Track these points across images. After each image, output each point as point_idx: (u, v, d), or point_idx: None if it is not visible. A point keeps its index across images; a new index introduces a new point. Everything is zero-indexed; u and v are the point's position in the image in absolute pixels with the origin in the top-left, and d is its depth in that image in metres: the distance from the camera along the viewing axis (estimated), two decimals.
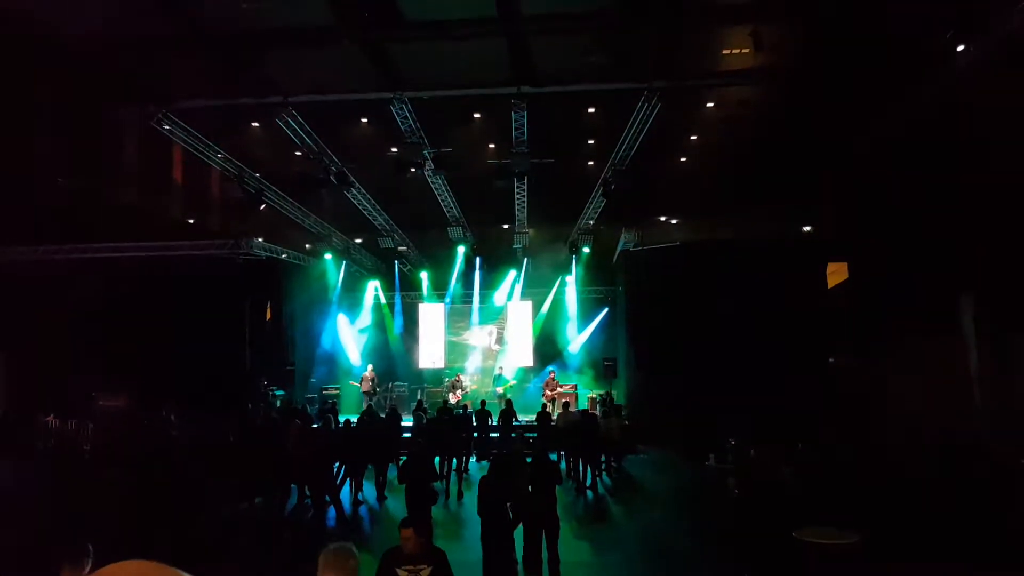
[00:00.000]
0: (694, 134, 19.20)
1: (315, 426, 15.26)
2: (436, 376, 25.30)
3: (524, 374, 25.51)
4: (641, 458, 17.95)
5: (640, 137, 17.45)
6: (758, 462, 11.05)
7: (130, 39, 15.20)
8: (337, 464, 13.64)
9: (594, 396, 21.97)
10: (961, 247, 15.10)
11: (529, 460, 9.26)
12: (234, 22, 14.85)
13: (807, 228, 20.70)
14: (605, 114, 18.00)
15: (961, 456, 11.16)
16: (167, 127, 17.78)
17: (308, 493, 13.08)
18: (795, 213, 20.33)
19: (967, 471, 10.67)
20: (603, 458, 16.02)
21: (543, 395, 21.87)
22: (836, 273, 20.56)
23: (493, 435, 17.83)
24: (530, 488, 8.89)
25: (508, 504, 8.61)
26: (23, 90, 16.62)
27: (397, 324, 27.05)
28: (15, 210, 19.00)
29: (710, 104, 17.76)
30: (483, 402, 18.19)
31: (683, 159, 20.37)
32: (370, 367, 23.93)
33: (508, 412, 17.71)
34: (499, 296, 26.30)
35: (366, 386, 22.98)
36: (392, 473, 15.04)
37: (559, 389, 21.82)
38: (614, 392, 21.54)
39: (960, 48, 13.78)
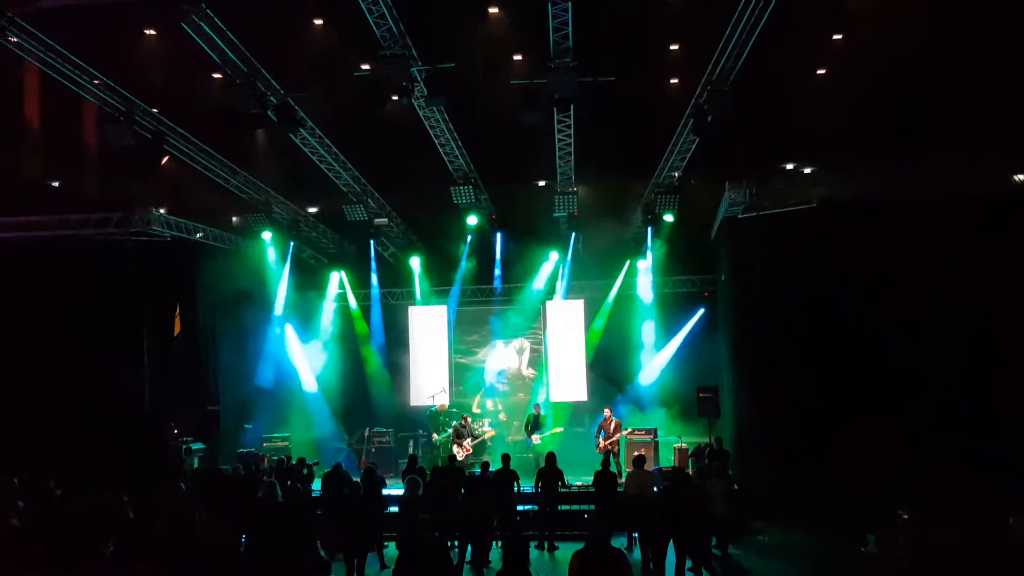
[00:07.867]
0: (837, 31, 18.87)
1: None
2: (438, 418, 25.15)
3: (573, 414, 25.40)
4: (761, 542, 17.67)
5: (752, 38, 17.08)
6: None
7: None
8: None
9: (683, 446, 21.77)
10: None
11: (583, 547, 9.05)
12: None
13: (1020, 177, 20.31)
14: (695, 1, 17.77)
15: None
16: (14, 39, 17.78)
17: None
18: (998, 153, 19.93)
19: None
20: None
21: (597, 446, 21.71)
22: None
23: (523, 507, 17.64)
24: None
25: None
26: None
27: (376, 339, 27.07)
28: None
29: None
30: (506, 457, 17.88)
31: (821, 71, 20.04)
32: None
33: (551, 473, 17.45)
34: (535, 286, 26.34)
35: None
36: (371, 568, 14.90)
37: (617, 436, 21.63)
38: (715, 438, 21.12)
39: None
